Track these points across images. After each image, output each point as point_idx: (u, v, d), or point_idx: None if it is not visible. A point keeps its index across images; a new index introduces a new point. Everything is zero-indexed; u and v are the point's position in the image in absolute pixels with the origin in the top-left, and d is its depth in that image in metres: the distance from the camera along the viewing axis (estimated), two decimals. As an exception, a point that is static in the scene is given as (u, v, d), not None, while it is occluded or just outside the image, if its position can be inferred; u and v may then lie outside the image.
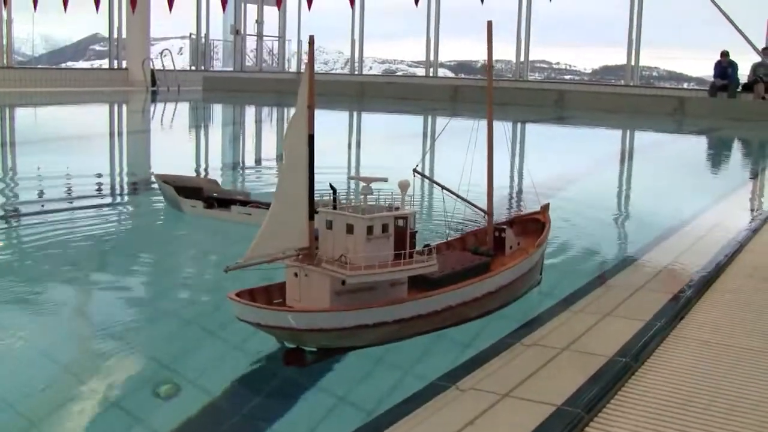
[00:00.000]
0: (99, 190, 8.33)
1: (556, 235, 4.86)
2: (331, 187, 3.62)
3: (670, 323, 3.91)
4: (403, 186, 3.65)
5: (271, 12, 39.49)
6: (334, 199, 3.59)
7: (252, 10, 39.88)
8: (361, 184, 3.59)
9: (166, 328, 4.25)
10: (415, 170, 4.08)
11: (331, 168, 9.03)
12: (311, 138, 3.50)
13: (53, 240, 5.91)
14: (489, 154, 4.33)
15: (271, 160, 11.54)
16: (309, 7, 31.35)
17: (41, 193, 7.92)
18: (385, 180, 3.65)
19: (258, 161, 11.78)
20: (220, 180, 8.44)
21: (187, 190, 6.28)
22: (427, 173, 5.33)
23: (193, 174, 9.37)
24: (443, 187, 4.30)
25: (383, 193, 3.69)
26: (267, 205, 5.85)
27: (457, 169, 4.54)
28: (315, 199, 3.59)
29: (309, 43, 3.48)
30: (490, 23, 4.07)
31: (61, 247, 5.69)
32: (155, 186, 6.49)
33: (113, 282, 4.94)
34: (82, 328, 4.34)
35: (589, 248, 5.81)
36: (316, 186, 3.63)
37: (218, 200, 6.19)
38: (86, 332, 4.27)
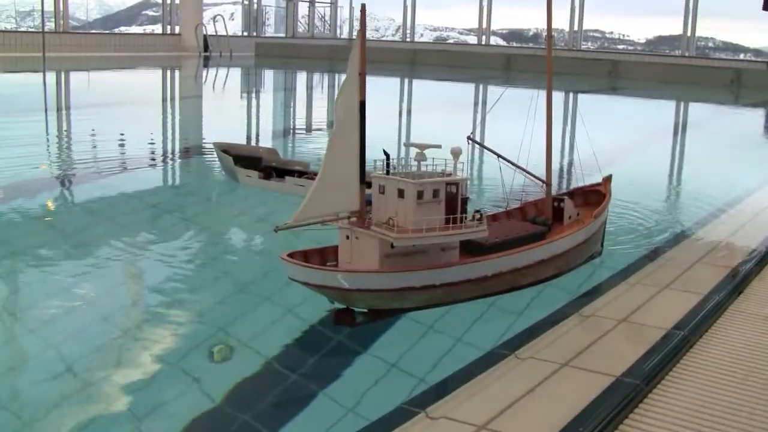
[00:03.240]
0: (153, 156, 8.41)
1: (613, 206, 4.78)
2: (385, 153, 3.63)
3: (728, 297, 3.84)
4: (456, 153, 3.65)
5: (323, -23, 39.36)
6: (388, 165, 3.60)
7: (304, -24, 39.79)
8: (415, 150, 3.58)
9: (220, 292, 4.28)
10: (469, 137, 4.04)
11: (384, 135, 9.03)
12: (362, 104, 3.52)
13: (108, 204, 5.98)
14: (548, 126, 4.28)
15: (324, 127, 11.54)
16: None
17: (96, 158, 8.00)
18: (438, 147, 3.64)
19: (310, 128, 11.79)
20: (278, 148, 8.52)
21: (245, 159, 6.29)
22: (485, 139, 5.29)
23: (251, 142, 9.39)
24: (499, 156, 4.26)
25: (437, 159, 3.67)
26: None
27: (513, 138, 4.49)
28: (367, 167, 3.62)
29: (361, 11, 3.46)
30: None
31: (115, 212, 5.77)
32: (210, 153, 6.51)
33: (167, 247, 4.99)
34: (138, 292, 4.40)
35: (645, 221, 5.72)
36: (370, 152, 3.64)
37: (276, 170, 6.18)
38: (142, 296, 4.32)
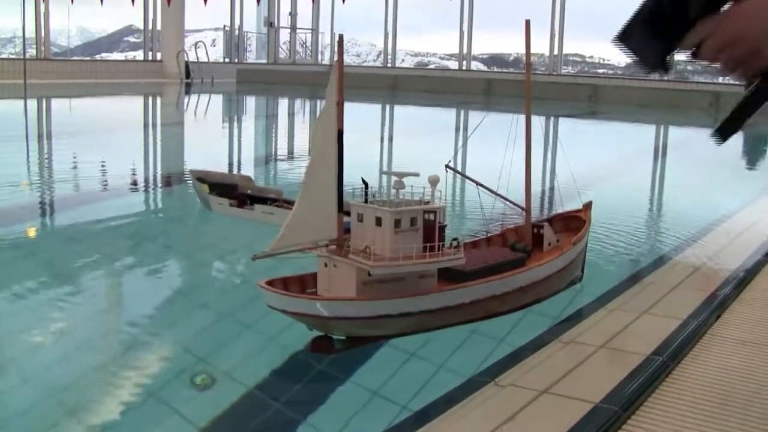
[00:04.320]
0: (134, 183, 8.39)
1: (593, 231, 4.81)
2: (363, 181, 3.66)
3: (706, 322, 3.85)
4: (433, 181, 3.68)
5: (304, 4, 39.55)
6: (366, 193, 3.63)
7: (285, 2, 39.97)
8: (393, 178, 3.60)
9: (201, 320, 4.27)
10: (447, 166, 4.06)
11: (362, 162, 9.05)
12: (340, 133, 3.56)
13: (89, 232, 5.97)
14: (527, 152, 4.31)
15: (304, 154, 11.56)
16: (343, 0, 31.33)
17: (77, 186, 7.99)
18: (417, 175, 3.66)
19: (291, 154, 11.79)
20: (253, 175, 8.47)
21: (221, 187, 6.30)
22: (462, 168, 5.32)
23: (227, 169, 9.40)
24: (477, 183, 4.29)
25: (416, 187, 3.70)
26: (292, 204, 5.88)
27: (493, 164, 4.52)
28: (346, 195, 3.64)
29: (338, 42, 3.49)
30: (528, 22, 4.03)
31: (95, 240, 5.75)
32: (190, 181, 6.52)
33: (147, 275, 4.97)
34: (117, 321, 4.38)
35: (625, 246, 5.75)
36: (348, 180, 3.66)
37: (251, 197, 6.19)
38: (122, 325, 4.30)
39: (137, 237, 5.95)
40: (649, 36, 1.81)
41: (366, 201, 3.60)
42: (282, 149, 12.68)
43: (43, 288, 4.73)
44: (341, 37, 3.47)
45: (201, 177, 6.46)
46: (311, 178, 3.61)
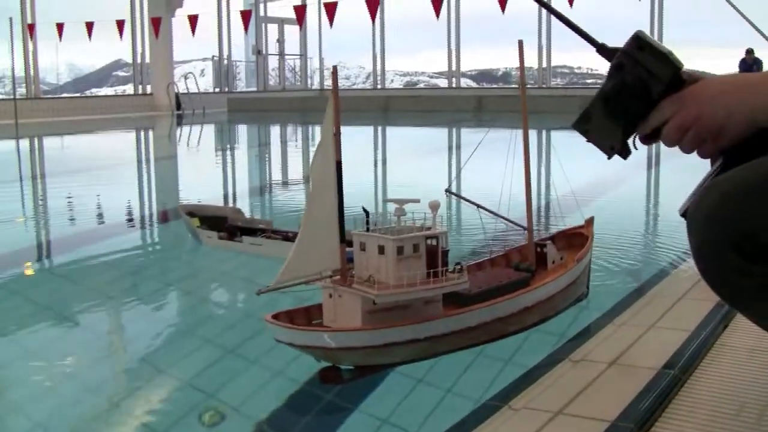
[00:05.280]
0: (130, 220, 8.38)
1: (597, 245, 4.80)
2: (364, 210, 3.66)
3: (714, 332, 3.83)
4: (434, 206, 3.68)
5: (291, 30, 39.73)
6: (367, 222, 3.62)
7: (273, 29, 40.16)
8: (394, 206, 3.60)
9: (206, 356, 4.24)
10: (447, 190, 4.06)
11: (360, 187, 9.05)
12: (339, 164, 3.55)
13: (87, 272, 5.94)
14: (526, 173, 4.30)
15: (298, 182, 11.56)
16: (330, 25, 31.46)
17: (72, 226, 7.96)
18: (417, 201, 3.66)
19: (285, 183, 11.80)
20: (248, 205, 8.46)
21: (210, 220, 6.29)
22: (462, 187, 5.33)
23: (222, 201, 9.42)
24: (478, 206, 4.30)
25: (417, 213, 3.69)
26: (281, 235, 5.86)
27: (492, 181, 4.51)
28: (346, 225, 3.64)
29: (332, 73, 3.49)
30: (521, 42, 4.03)
31: (94, 280, 5.72)
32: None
33: (149, 314, 4.95)
34: (122, 361, 4.35)
35: (629, 258, 5.73)
36: (349, 208, 3.65)
37: (241, 229, 6.18)
38: (126, 364, 4.28)
39: (136, 275, 5.93)
40: (609, 119, 1.81)
41: (368, 229, 3.59)
42: (275, 178, 12.70)
43: (44, 331, 4.70)
44: (335, 68, 3.47)
45: (191, 211, 6.46)
46: (311, 210, 3.61)
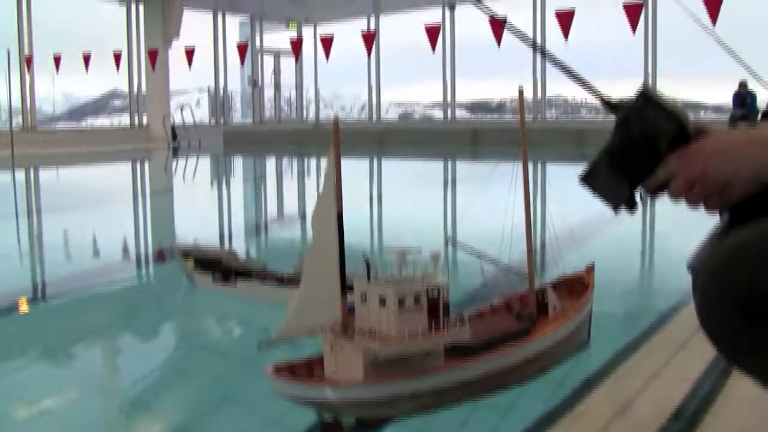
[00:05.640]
0: (126, 259, 8.34)
1: (597, 289, 4.76)
2: (365, 260, 3.62)
3: (717, 382, 3.80)
4: (435, 257, 3.65)
5: (287, 62, 39.97)
6: (368, 272, 3.58)
7: (269, 61, 40.37)
8: (395, 255, 3.57)
9: (203, 404, 4.17)
10: (448, 240, 4.04)
11: (359, 226, 9.03)
12: (340, 215, 3.53)
13: (81, 315, 5.89)
14: (527, 221, 4.27)
15: (294, 219, 11.54)
16: (327, 59, 31.65)
17: (69, 264, 7.92)
18: (418, 251, 3.63)
19: (281, 220, 11.77)
20: (244, 244, 8.42)
21: (205, 261, 6.22)
22: (462, 222, 5.30)
23: (215, 239, 9.39)
24: (479, 255, 4.27)
25: (417, 262, 3.66)
26: (275, 278, 5.81)
27: (492, 219, 4.49)
28: (348, 272, 3.61)
29: (334, 123, 3.47)
30: (521, 90, 4.02)
31: (89, 323, 5.66)
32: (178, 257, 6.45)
33: (144, 358, 4.87)
34: (116, 407, 4.27)
35: (629, 303, 5.71)
36: (348, 247, 3.62)
37: (235, 272, 6.11)
38: (120, 410, 4.20)
39: (131, 318, 5.87)
40: (615, 173, 1.80)
41: (369, 280, 3.55)
42: (271, 214, 12.67)
43: (30, 368, 4.64)
44: (336, 117, 3.44)
45: (186, 252, 6.40)
46: (312, 261, 3.59)
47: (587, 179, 1.85)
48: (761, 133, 1.74)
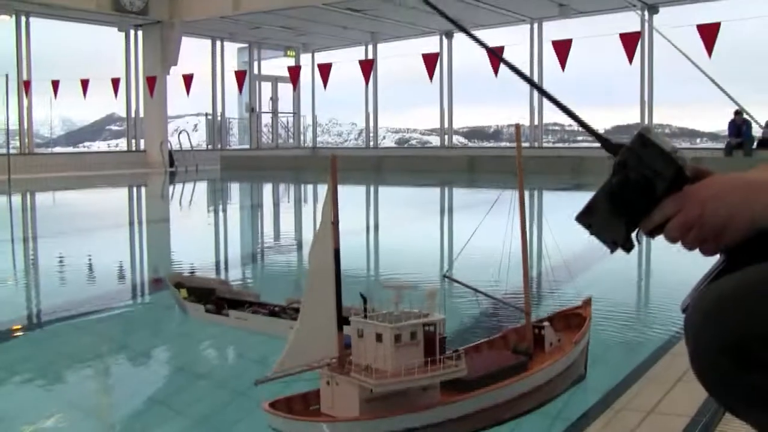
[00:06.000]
0: (122, 288, 8.33)
1: (593, 322, 4.76)
2: (362, 296, 3.64)
3: (714, 417, 3.79)
4: (431, 293, 3.67)
5: (284, 88, 40.10)
6: (365, 308, 3.61)
7: (266, 87, 40.50)
8: (392, 291, 3.58)
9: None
10: (445, 275, 4.07)
11: (355, 257, 9.03)
12: (337, 252, 3.55)
13: (76, 345, 5.88)
14: (524, 257, 4.28)
15: (290, 247, 11.54)
16: (325, 87, 31.78)
17: (64, 293, 7.90)
18: (414, 288, 3.67)
19: (277, 248, 11.76)
20: (240, 273, 8.43)
21: (198, 291, 6.20)
22: (459, 253, 5.32)
23: (210, 267, 9.39)
24: (475, 290, 4.29)
25: (414, 297, 3.68)
26: (267, 309, 5.79)
27: (489, 251, 4.51)
28: (346, 306, 3.63)
29: (331, 161, 3.49)
30: (518, 126, 4.05)
31: (83, 354, 5.64)
32: (180, 284, 6.43)
33: (136, 392, 4.84)
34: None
35: (626, 336, 5.70)
36: (347, 284, 3.64)
37: (229, 302, 6.08)
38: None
39: (126, 349, 5.84)
40: (612, 214, 1.84)
41: (365, 316, 3.56)
42: (267, 242, 12.67)
43: (18, 395, 4.63)
44: (334, 156, 3.46)
45: (178, 282, 6.38)
46: (309, 298, 3.62)
47: (584, 218, 1.87)
48: (759, 177, 1.75)
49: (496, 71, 26.00)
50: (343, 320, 3.60)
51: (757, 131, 25.61)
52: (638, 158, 1.78)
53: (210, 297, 6.13)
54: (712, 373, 1.65)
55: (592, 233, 1.87)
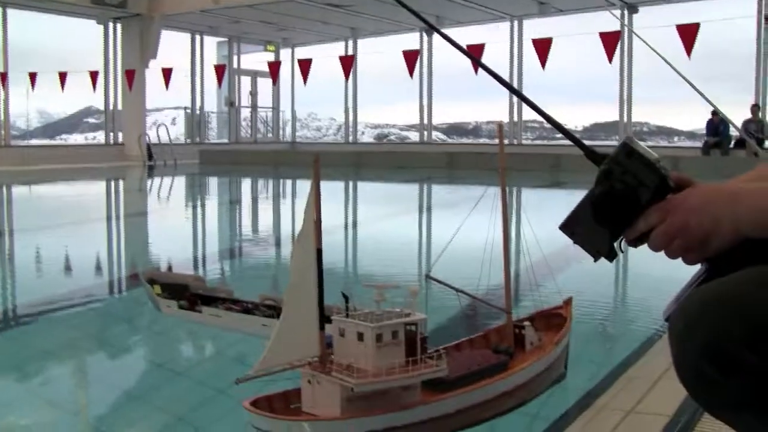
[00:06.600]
0: (99, 284, 8.26)
1: (574, 319, 4.77)
2: (344, 295, 3.63)
3: (693, 417, 3.80)
4: (413, 292, 3.68)
5: (264, 83, 39.99)
6: (347, 307, 3.59)
7: (246, 81, 40.37)
8: (374, 290, 3.57)
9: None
10: (428, 276, 4.07)
11: (337, 252, 9.01)
12: (319, 252, 3.54)
13: (52, 342, 5.82)
14: (505, 256, 4.28)
15: (267, 243, 11.50)
16: (304, 82, 31.70)
17: (41, 290, 7.82)
18: (396, 287, 3.66)
19: (254, 243, 11.72)
20: (219, 269, 8.39)
21: (172, 287, 6.12)
22: (438, 252, 5.32)
23: (188, 263, 9.33)
24: (457, 290, 4.29)
25: (396, 295, 3.67)
26: (241, 306, 5.74)
27: (470, 250, 4.51)
28: (328, 305, 3.61)
29: (315, 161, 3.47)
30: (500, 125, 4.04)
31: (60, 351, 5.59)
32: (158, 280, 6.36)
33: (118, 389, 4.80)
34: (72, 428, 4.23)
35: (606, 335, 5.72)
36: (328, 282, 3.62)
37: (203, 298, 6.02)
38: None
39: (104, 346, 5.81)
40: (596, 223, 1.84)
41: (347, 315, 3.55)
42: (245, 237, 12.63)
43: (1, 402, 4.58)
44: (317, 155, 3.45)
45: (152, 277, 6.30)
46: (291, 297, 3.60)
47: (568, 227, 1.88)
48: (739, 188, 1.76)
49: (476, 69, 25.94)
50: (325, 319, 3.58)
51: (734, 131, 25.82)
52: (623, 168, 1.78)
53: (183, 293, 6.06)
54: (695, 379, 1.65)
55: (575, 242, 1.88)
